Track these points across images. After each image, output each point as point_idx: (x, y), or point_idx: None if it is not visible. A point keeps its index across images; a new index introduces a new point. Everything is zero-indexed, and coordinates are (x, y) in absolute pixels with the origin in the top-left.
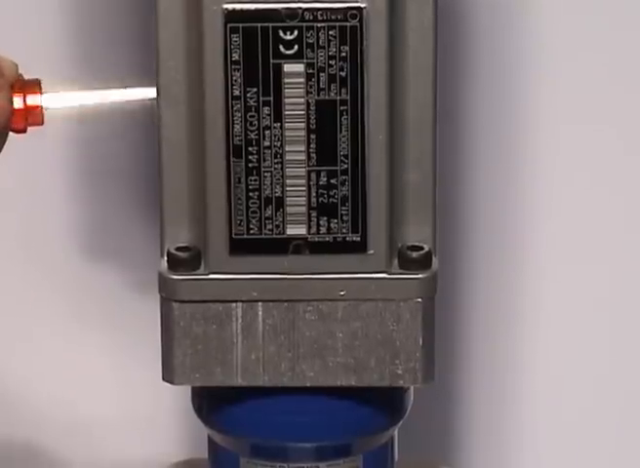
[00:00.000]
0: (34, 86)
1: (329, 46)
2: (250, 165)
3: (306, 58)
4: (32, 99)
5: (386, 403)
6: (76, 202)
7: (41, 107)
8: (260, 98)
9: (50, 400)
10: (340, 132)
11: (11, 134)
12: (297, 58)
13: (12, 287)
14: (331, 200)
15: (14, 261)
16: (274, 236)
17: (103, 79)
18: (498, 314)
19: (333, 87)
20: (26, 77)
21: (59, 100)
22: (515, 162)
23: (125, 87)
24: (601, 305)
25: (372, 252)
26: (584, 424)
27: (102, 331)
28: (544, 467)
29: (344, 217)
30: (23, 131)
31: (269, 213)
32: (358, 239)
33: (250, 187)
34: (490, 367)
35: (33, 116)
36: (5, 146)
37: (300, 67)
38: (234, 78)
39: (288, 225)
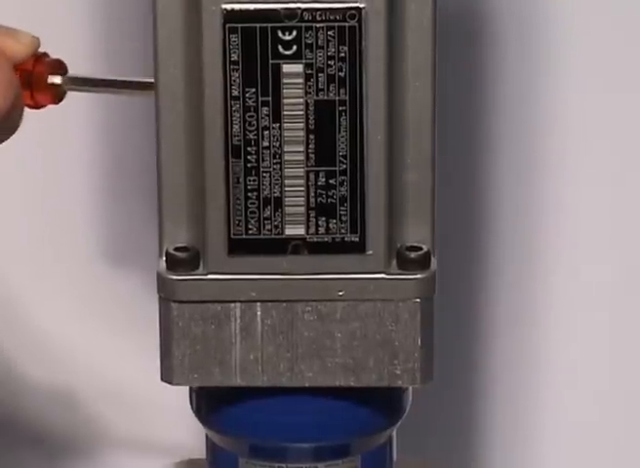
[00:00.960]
0: (47, 64)
1: (328, 46)
2: (249, 165)
3: (305, 59)
4: (39, 77)
5: (385, 403)
6: (99, 205)
7: (46, 85)
8: (259, 99)
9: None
10: (339, 132)
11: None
12: (295, 58)
13: (35, 291)
14: (329, 200)
15: (37, 265)
16: (273, 236)
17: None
18: (520, 311)
19: (331, 87)
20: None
21: (74, 82)
22: (542, 156)
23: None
24: (627, 303)
25: (370, 252)
26: (609, 423)
27: (127, 334)
28: (567, 466)
29: (343, 218)
30: (35, 107)
31: (268, 213)
32: (357, 239)
33: (248, 187)
34: (512, 365)
35: (40, 93)
36: (29, 150)
37: (298, 68)
38: (233, 78)
39: (286, 225)
